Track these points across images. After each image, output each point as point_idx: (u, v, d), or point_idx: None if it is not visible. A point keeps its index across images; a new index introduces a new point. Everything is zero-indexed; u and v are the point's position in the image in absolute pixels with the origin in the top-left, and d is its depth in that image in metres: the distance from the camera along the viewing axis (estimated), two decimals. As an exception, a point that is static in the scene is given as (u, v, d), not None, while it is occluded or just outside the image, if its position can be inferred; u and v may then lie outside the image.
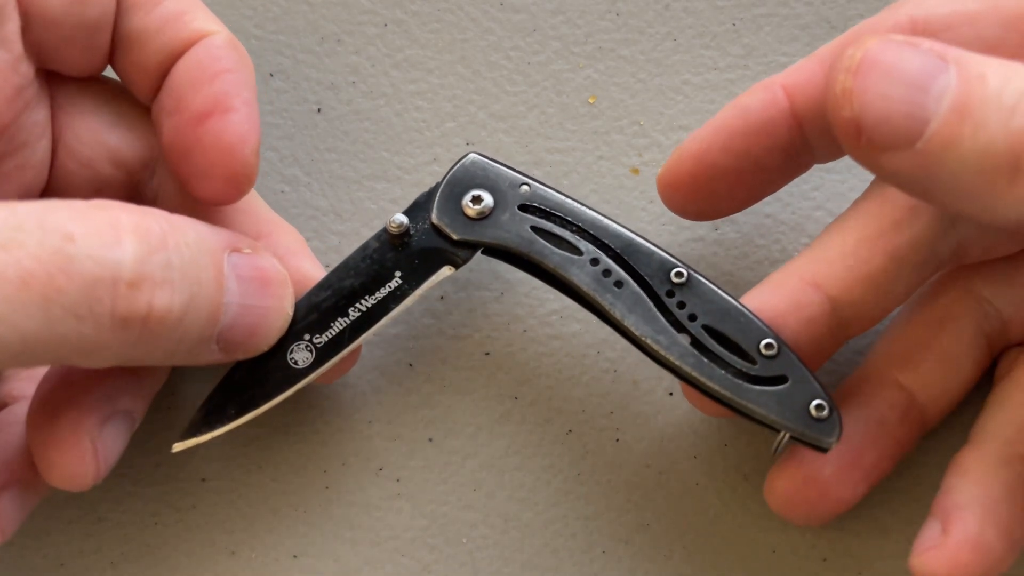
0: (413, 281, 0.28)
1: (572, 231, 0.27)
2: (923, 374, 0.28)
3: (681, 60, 0.33)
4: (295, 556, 0.30)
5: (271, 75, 0.33)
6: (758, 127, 0.27)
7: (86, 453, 0.25)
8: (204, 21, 0.27)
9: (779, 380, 0.25)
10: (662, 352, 0.26)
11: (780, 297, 0.26)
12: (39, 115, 0.26)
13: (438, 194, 0.28)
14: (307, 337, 0.27)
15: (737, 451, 0.30)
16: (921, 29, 0.25)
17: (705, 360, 0.26)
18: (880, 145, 0.22)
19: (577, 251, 0.27)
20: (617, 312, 0.26)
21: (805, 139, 0.27)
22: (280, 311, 0.27)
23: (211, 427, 0.27)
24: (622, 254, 0.27)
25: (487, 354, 0.31)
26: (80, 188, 0.27)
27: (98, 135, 0.27)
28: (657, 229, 0.32)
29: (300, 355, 0.27)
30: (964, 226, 0.27)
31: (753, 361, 0.26)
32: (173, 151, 0.27)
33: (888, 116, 0.21)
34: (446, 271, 0.28)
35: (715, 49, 0.33)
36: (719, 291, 0.26)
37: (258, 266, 0.26)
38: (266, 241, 0.28)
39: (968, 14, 0.25)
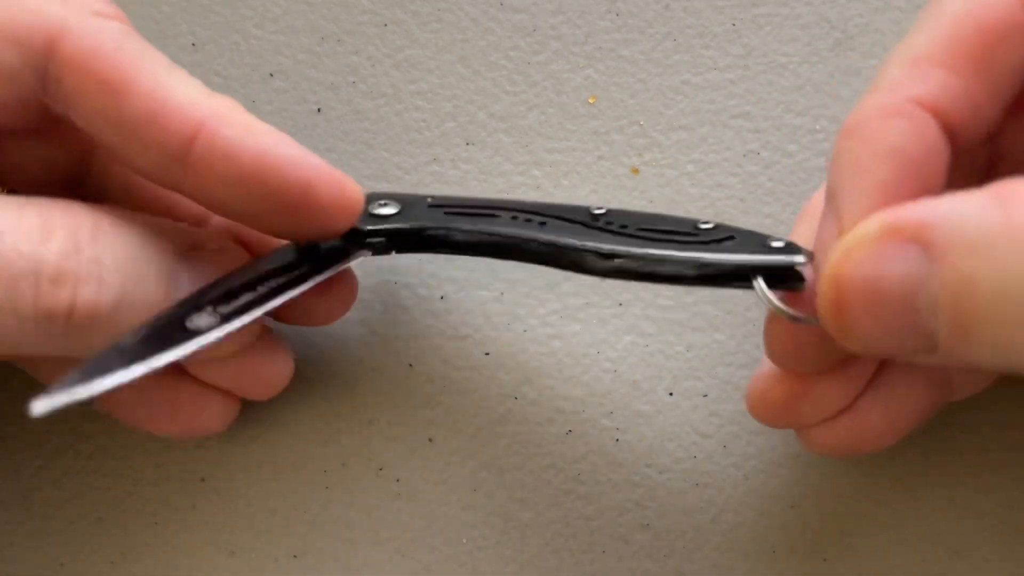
0: (326, 267, 0.26)
1: (485, 208, 0.27)
2: None
3: (681, 60, 0.33)
4: (295, 556, 0.30)
5: (271, 75, 0.33)
6: (924, 162, 0.22)
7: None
8: (186, 95, 0.24)
9: (727, 239, 0.25)
10: (606, 249, 0.25)
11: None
12: None
13: None
14: (210, 308, 0.24)
15: (737, 451, 0.30)
16: None
17: (651, 241, 0.25)
18: (903, 357, 0.21)
19: (494, 216, 0.27)
20: (550, 235, 0.25)
21: None
22: None
23: (89, 384, 0.21)
24: (539, 211, 0.27)
25: (487, 354, 0.31)
26: (17, 186, 0.28)
27: (23, 143, 0.27)
28: (657, 229, 0.32)
29: (203, 320, 0.24)
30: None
31: (695, 235, 0.25)
32: (284, 228, 0.26)
33: (891, 343, 0.20)
34: (363, 254, 0.27)
35: (715, 49, 0.33)
36: (641, 211, 0.26)
37: (222, 264, 0.25)
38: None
39: None
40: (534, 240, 0.26)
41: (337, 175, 0.25)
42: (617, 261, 0.25)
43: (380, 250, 0.27)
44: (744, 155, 0.32)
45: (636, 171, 0.32)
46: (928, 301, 0.19)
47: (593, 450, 0.30)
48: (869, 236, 0.20)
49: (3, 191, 0.28)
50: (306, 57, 0.33)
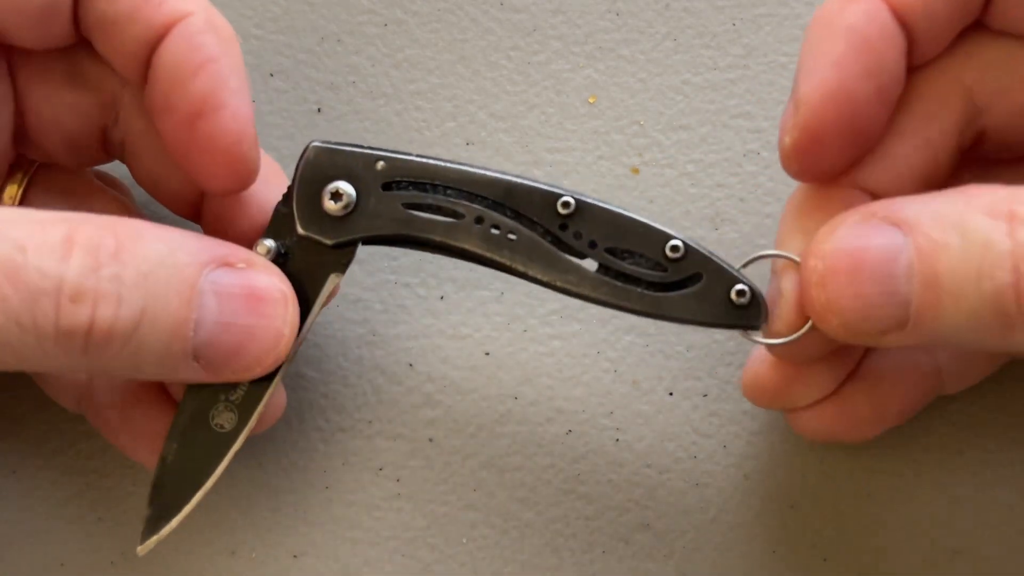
0: (304, 302, 0.26)
1: (447, 195, 0.26)
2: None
3: (681, 60, 0.33)
4: (295, 556, 0.30)
5: (271, 75, 0.33)
6: (877, 41, 0.24)
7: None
8: (177, 1, 0.26)
9: (694, 279, 0.25)
10: (575, 290, 0.26)
11: (830, 212, 0.25)
12: (2, 87, 0.27)
13: (295, 201, 0.26)
14: (223, 397, 0.26)
15: (737, 451, 0.30)
16: None
17: (619, 284, 0.26)
18: (874, 335, 0.23)
19: (458, 215, 0.26)
20: (519, 266, 0.26)
21: (912, 38, 0.25)
22: (270, 331, 0.25)
23: (167, 519, 0.26)
24: (504, 203, 0.26)
25: (487, 354, 0.31)
26: (52, 141, 0.28)
27: (58, 92, 0.27)
28: (657, 229, 0.32)
29: (223, 417, 0.26)
30: (990, 116, 0.26)
31: (664, 268, 0.26)
32: (173, 150, 0.26)
33: (868, 314, 0.22)
34: (333, 280, 0.27)
35: (715, 49, 0.33)
36: (610, 208, 0.26)
37: (248, 284, 0.25)
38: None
39: None
40: (502, 268, 0.26)
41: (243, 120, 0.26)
42: (584, 297, 0.26)
43: (346, 265, 0.27)
44: (744, 155, 0.32)
45: (636, 171, 0.32)
46: (905, 267, 0.22)
47: (593, 450, 0.30)
48: (849, 220, 0.23)
49: (17, 191, 0.28)
50: (306, 57, 0.33)
